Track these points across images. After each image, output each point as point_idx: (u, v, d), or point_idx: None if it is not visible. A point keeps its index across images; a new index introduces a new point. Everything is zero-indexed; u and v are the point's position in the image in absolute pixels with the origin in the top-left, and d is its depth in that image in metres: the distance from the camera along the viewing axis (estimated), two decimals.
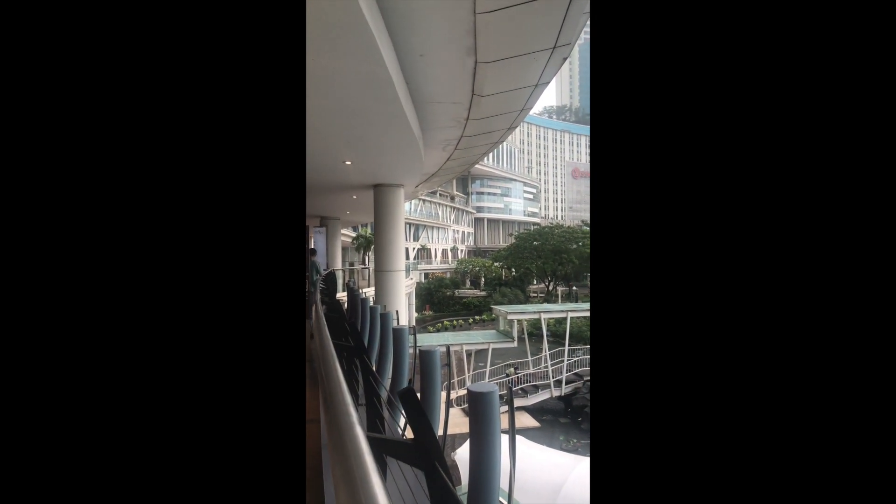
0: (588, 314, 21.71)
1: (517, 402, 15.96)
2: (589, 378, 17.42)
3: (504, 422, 2.27)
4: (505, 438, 2.41)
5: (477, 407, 2.20)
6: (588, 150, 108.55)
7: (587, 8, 4.22)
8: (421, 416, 1.64)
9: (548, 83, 6.27)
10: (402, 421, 2.67)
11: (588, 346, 20.63)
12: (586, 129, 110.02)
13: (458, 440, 11.17)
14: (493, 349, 16.68)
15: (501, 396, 3.59)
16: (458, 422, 11.91)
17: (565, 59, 5.54)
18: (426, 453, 1.56)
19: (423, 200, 48.37)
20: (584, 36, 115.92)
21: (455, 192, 62.19)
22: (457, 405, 14.32)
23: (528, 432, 13.18)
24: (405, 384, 4.02)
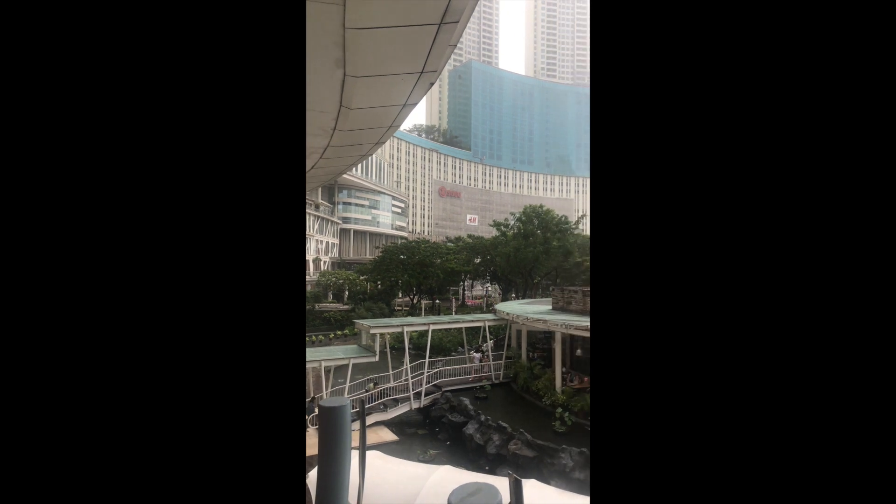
0: (448, 326, 22.67)
1: (377, 417, 15.83)
2: (446, 389, 18.12)
3: (355, 438, 2.25)
4: (355, 454, 2.40)
5: (327, 422, 2.16)
6: (454, 172, 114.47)
7: (453, 41, 4.53)
8: None
9: (416, 104, 6.52)
10: None
11: (447, 358, 21.49)
12: (453, 150, 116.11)
13: (312, 462, 10.62)
14: (353, 364, 16.34)
15: (362, 412, 3.54)
16: (312, 442, 11.33)
17: (432, 83, 5.83)
18: None
19: None
20: (454, 63, 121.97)
21: (320, 201, 60.04)
22: (312, 425, 13.64)
23: (386, 446, 13.14)
24: None
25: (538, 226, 35.66)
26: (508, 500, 1.38)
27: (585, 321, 15.48)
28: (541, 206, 37.86)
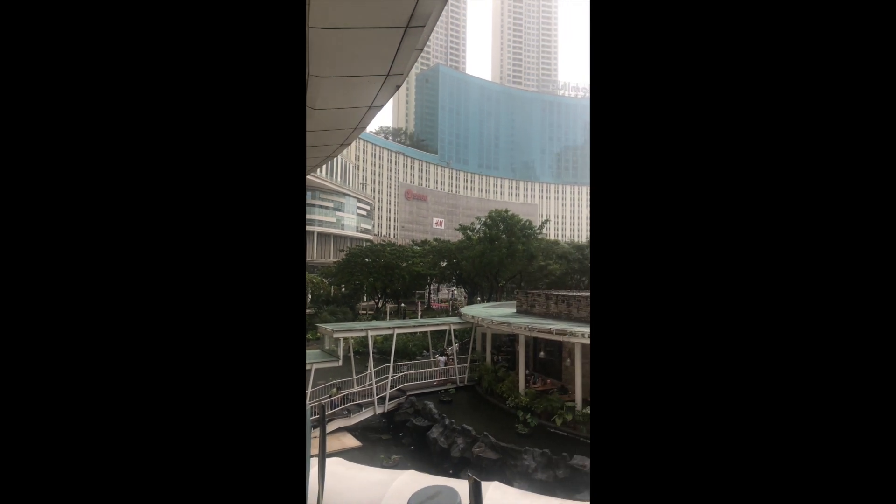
0: (413, 330, 22.58)
1: (341, 423, 15.55)
2: (411, 393, 18.03)
3: (315, 445, 2.20)
4: (314, 462, 2.35)
5: None
6: (420, 175, 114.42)
7: (419, 44, 4.54)
8: None
9: (382, 106, 6.48)
10: None
11: (412, 362, 21.39)
12: (420, 153, 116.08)
13: None
14: (315, 369, 16.01)
15: (323, 418, 3.48)
16: None
17: (398, 86, 5.82)
18: None
19: None
20: (421, 67, 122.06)
21: None
22: None
23: (349, 453, 12.93)
24: None
25: (503, 230, 36.12)
26: (468, 502, 1.38)
27: (548, 324, 15.78)
28: (506, 211, 38.35)
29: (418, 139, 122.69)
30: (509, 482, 9.94)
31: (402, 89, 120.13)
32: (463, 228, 40.61)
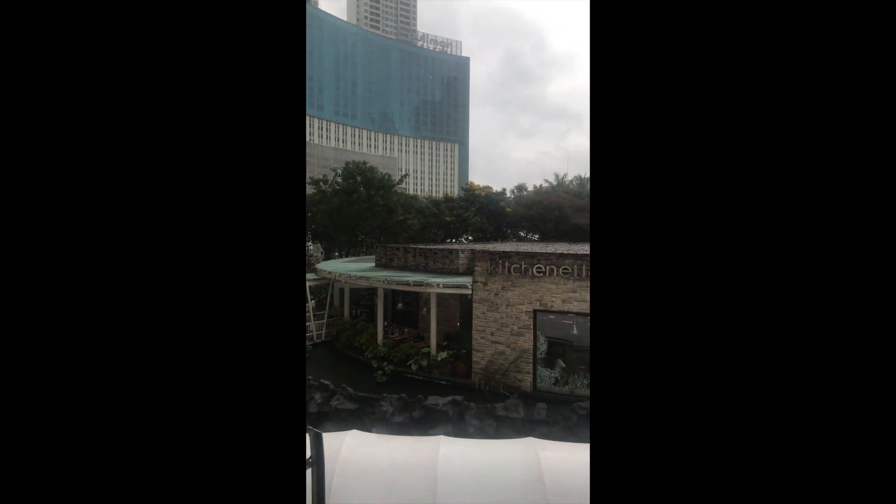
0: None
1: None
2: None
3: None
4: None
5: None
6: None
7: None
8: None
9: None
10: None
11: None
12: None
13: None
14: None
15: None
16: None
17: None
18: None
19: None
20: None
21: None
22: None
23: None
24: None
25: (361, 183, 35.38)
26: (309, 455, 1.42)
27: (406, 276, 16.31)
28: (364, 163, 37.47)
29: None
30: (368, 429, 10.37)
31: None
32: (315, 181, 38.41)
